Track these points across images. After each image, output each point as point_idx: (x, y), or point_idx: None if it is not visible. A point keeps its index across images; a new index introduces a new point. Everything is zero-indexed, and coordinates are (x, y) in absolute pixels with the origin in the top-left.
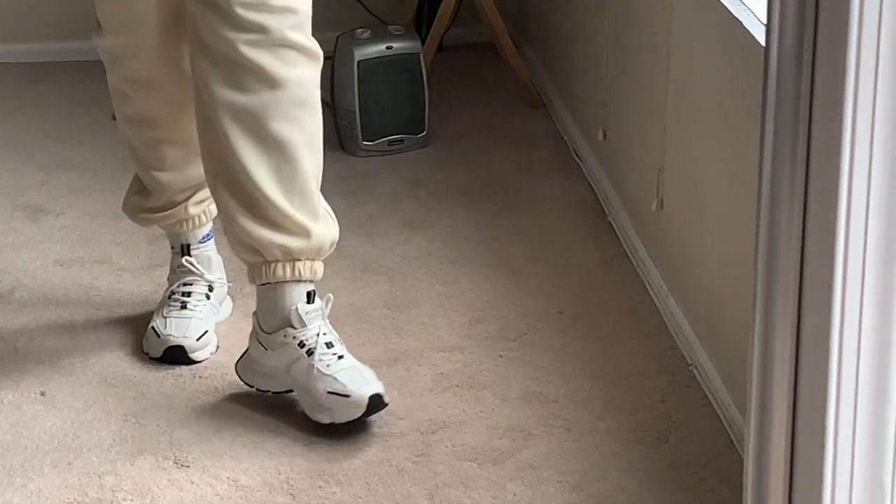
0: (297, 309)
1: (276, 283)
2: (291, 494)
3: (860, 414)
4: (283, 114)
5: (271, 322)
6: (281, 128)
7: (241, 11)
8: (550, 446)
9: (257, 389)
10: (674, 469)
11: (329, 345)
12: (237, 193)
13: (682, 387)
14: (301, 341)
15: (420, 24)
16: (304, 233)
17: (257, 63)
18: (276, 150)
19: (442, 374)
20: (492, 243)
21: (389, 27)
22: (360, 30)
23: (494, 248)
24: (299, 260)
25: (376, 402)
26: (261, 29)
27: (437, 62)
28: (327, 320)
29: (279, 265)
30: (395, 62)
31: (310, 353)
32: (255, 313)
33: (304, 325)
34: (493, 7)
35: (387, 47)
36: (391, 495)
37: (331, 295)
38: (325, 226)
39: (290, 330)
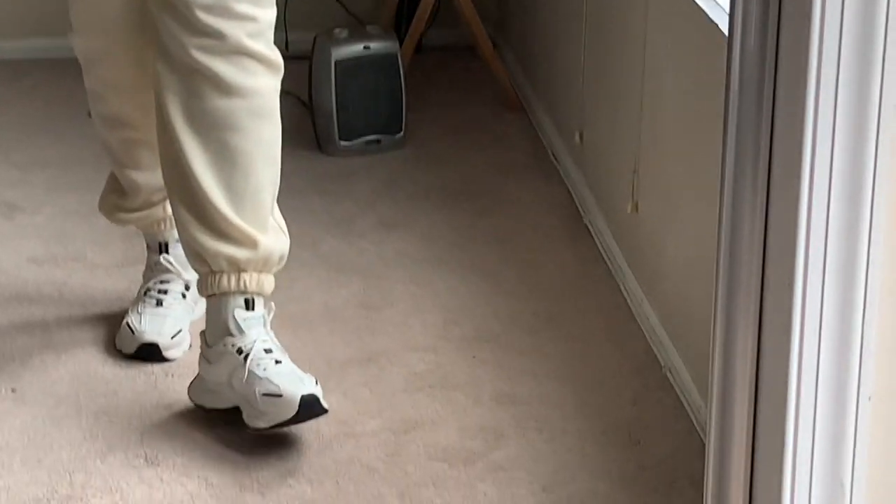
0: (234, 315)
1: (221, 294)
2: (262, 493)
3: (820, 415)
4: (237, 123)
5: (215, 334)
6: (234, 137)
7: (200, 15)
8: (522, 447)
9: (204, 409)
10: (644, 470)
11: (268, 350)
12: (188, 202)
13: (655, 389)
14: (239, 348)
15: (399, 25)
16: (252, 243)
17: (212, 69)
18: (228, 159)
19: (415, 374)
20: (467, 245)
21: (367, 27)
22: (337, 29)
23: (470, 250)
24: (245, 271)
25: (310, 404)
26: (217, 34)
27: (415, 63)
28: (269, 328)
29: (224, 276)
30: (373, 62)
31: (247, 357)
32: (202, 332)
33: (241, 331)
34: (472, 9)
35: (364, 47)
36: (361, 494)
37: (272, 304)
38: (274, 238)
39: (228, 338)
